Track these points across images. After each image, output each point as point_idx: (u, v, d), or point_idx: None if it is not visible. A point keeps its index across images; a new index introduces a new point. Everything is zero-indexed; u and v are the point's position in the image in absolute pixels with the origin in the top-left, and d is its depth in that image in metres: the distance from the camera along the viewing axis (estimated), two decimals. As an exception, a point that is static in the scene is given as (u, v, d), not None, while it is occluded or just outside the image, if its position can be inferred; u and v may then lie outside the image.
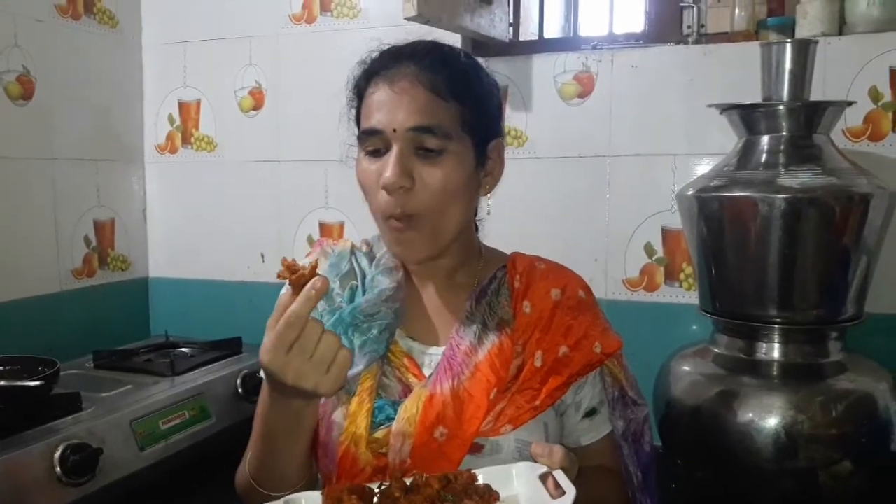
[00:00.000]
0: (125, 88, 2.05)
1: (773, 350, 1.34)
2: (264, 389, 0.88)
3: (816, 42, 1.34)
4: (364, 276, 1.02)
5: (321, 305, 0.99)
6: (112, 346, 1.80)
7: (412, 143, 0.91)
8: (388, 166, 0.90)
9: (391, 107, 0.91)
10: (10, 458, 1.16)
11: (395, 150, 0.91)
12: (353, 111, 1.00)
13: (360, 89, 0.98)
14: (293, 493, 0.83)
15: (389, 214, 0.92)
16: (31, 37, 1.75)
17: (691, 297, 1.64)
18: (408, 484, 0.80)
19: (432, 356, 0.99)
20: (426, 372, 0.97)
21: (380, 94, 0.93)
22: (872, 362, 1.36)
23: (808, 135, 1.32)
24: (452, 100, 0.93)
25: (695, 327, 1.63)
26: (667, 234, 1.67)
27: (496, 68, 1.03)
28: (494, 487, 0.80)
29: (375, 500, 0.78)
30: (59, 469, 1.20)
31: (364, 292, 0.99)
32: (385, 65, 0.95)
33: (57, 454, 1.20)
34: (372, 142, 0.93)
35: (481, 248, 1.08)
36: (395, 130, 0.90)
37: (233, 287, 2.04)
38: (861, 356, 1.37)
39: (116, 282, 2.03)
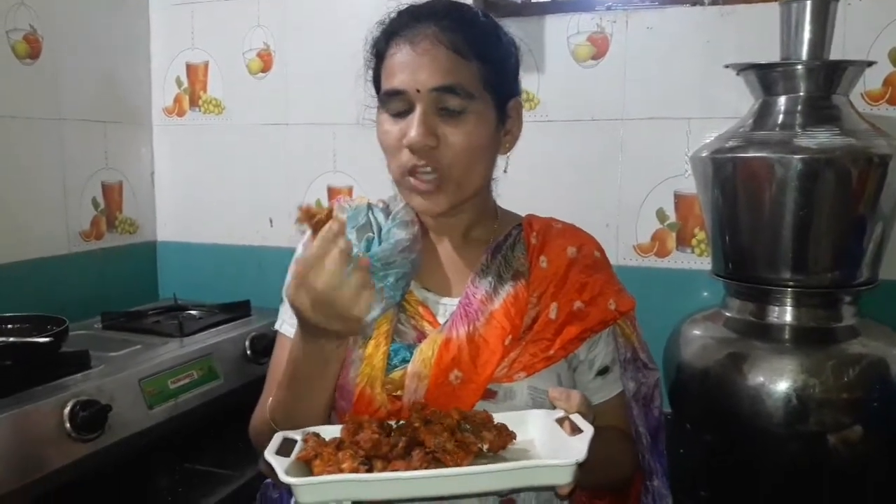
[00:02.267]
0: (132, 50, 2.03)
1: (786, 314, 1.33)
2: (295, 332, 0.90)
3: (837, 1, 1.31)
4: (380, 229, 1.02)
5: None
6: (120, 309, 1.80)
7: (435, 103, 0.92)
8: (413, 126, 0.91)
9: (414, 67, 0.92)
10: (21, 412, 1.16)
11: (418, 110, 0.92)
12: (371, 72, 1.00)
13: (380, 50, 0.98)
14: None
15: (412, 170, 0.93)
16: (37, -5, 1.73)
17: (703, 263, 1.62)
18: (427, 419, 0.81)
19: (447, 306, 1.00)
20: (441, 320, 0.98)
21: (401, 55, 0.93)
22: (886, 327, 1.34)
23: (826, 95, 1.30)
24: (473, 59, 0.93)
25: (706, 293, 1.62)
26: (679, 199, 1.65)
27: (508, 29, 1.02)
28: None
29: (393, 433, 0.79)
30: (68, 424, 1.20)
31: (380, 243, 0.99)
32: (405, 24, 0.95)
33: (66, 410, 1.21)
34: (394, 102, 0.94)
35: (496, 208, 1.09)
36: (418, 91, 0.91)
37: (241, 251, 2.04)
38: (874, 321, 1.35)
39: (124, 245, 2.02)
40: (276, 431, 0.90)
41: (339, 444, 0.78)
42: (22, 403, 1.18)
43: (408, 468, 0.73)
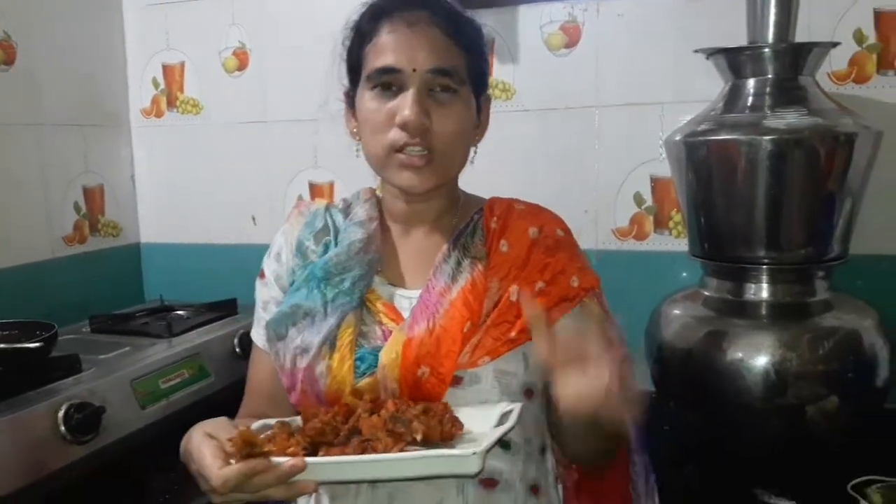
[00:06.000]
0: (107, 52, 2.03)
1: (762, 290, 1.36)
2: None
3: (801, -17, 1.34)
4: (337, 231, 1.04)
5: (294, 261, 1.05)
6: (107, 312, 1.81)
7: (428, 84, 0.94)
8: (408, 105, 0.92)
9: (411, 46, 0.93)
10: (15, 417, 1.17)
11: (413, 89, 0.93)
12: (345, 52, 1.02)
13: (366, 29, 0.98)
14: None
15: (401, 147, 0.94)
16: (9, 0, 1.72)
17: (681, 245, 1.66)
18: (372, 409, 0.88)
19: (412, 299, 1.00)
20: (405, 315, 0.98)
21: (397, 34, 0.95)
22: (858, 300, 1.38)
23: (793, 77, 1.33)
24: (462, 48, 0.96)
25: (685, 274, 1.65)
26: (656, 182, 1.68)
27: (482, 20, 1.03)
28: (472, 426, 0.86)
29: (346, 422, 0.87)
30: (63, 427, 1.22)
31: (336, 244, 1.01)
32: (398, 6, 0.97)
33: (61, 413, 1.22)
34: (385, 80, 0.95)
35: (461, 194, 1.10)
36: (414, 70, 0.93)
37: (225, 250, 2.05)
38: (846, 295, 1.39)
39: (108, 248, 2.03)
40: None
41: (293, 432, 0.85)
42: (16, 408, 1.19)
43: (342, 454, 0.81)
